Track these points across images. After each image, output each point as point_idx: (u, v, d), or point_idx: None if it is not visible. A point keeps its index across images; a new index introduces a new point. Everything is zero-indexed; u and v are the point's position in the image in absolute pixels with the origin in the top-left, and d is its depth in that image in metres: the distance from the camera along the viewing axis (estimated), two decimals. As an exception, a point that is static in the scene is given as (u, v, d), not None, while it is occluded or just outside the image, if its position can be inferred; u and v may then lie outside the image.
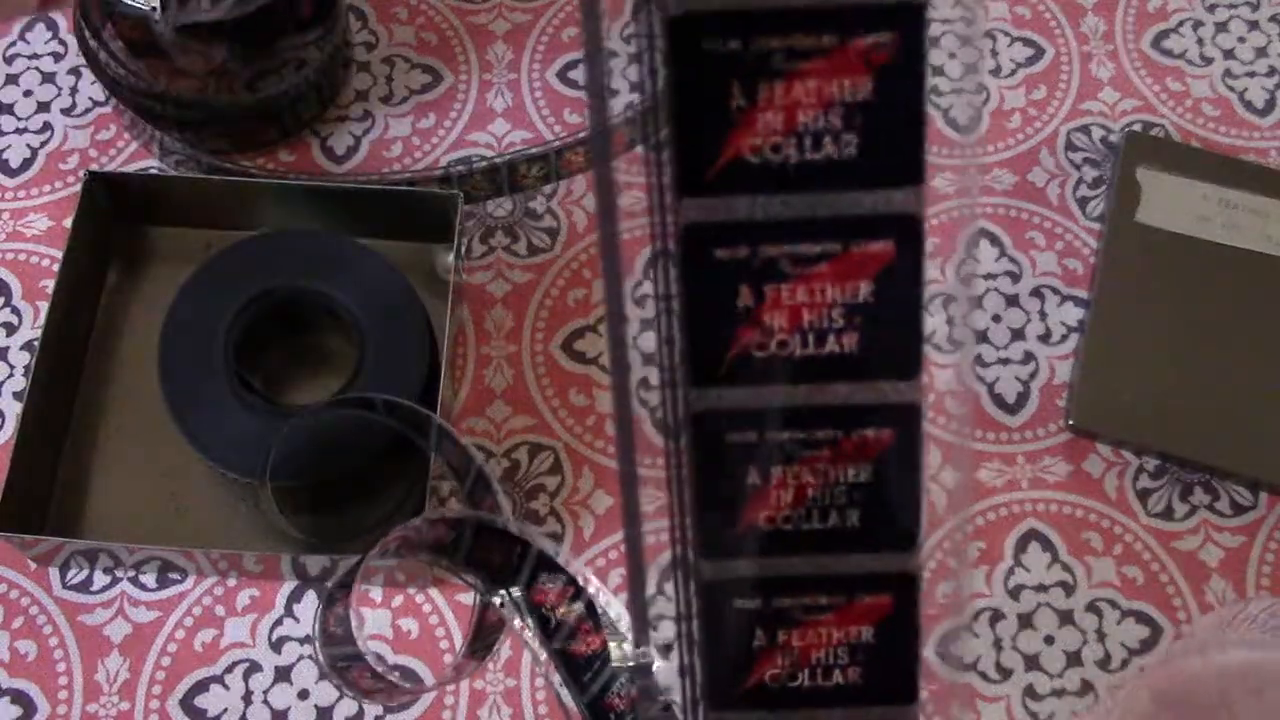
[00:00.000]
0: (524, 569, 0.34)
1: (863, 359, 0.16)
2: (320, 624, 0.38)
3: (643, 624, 0.18)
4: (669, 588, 0.18)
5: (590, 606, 0.35)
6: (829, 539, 0.16)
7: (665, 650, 0.18)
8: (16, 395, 0.52)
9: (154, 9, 0.51)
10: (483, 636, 0.42)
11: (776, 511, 0.16)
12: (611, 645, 0.34)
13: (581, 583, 0.36)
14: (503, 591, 0.37)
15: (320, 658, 0.40)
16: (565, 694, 0.27)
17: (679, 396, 0.16)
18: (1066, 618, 0.49)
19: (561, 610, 0.36)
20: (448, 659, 0.48)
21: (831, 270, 0.16)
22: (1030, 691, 0.48)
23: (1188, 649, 0.21)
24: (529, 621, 0.36)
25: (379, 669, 0.39)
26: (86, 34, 0.55)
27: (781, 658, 0.17)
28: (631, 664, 0.17)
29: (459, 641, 0.48)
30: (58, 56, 0.60)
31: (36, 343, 0.49)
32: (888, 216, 0.16)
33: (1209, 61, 0.61)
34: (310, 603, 0.49)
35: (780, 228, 0.16)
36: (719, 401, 0.16)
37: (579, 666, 0.33)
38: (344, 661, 0.37)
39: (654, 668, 0.18)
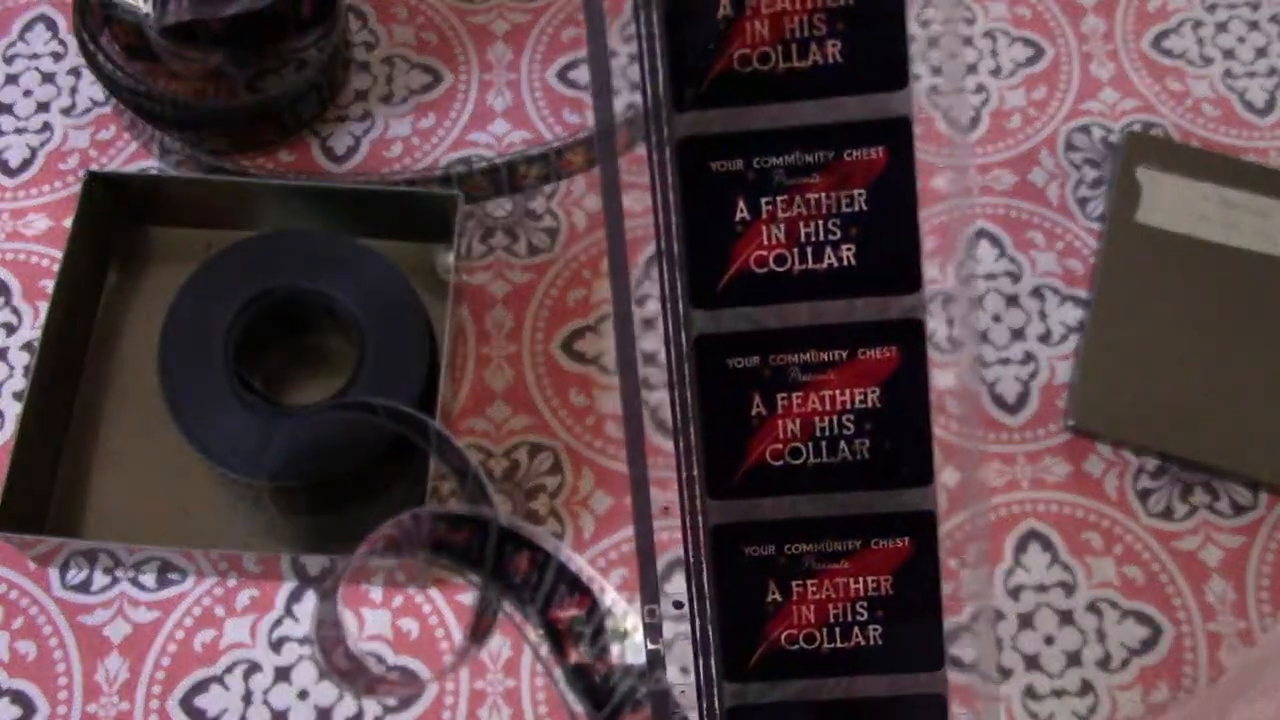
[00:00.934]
0: (544, 583, 0.34)
1: (861, 273, 0.14)
2: (316, 621, 0.38)
3: (653, 577, 0.18)
4: (674, 534, 0.17)
5: (603, 625, 0.35)
6: (839, 474, 0.15)
7: (677, 608, 0.17)
8: (16, 395, 0.52)
9: (147, 14, 0.51)
10: (481, 628, 0.42)
11: (784, 444, 0.15)
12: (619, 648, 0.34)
13: (598, 593, 0.36)
14: (512, 606, 0.37)
15: (317, 655, 0.40)
16: (577, 706, 0.27)
17: (681, 321, 0.15)
18: (1066, 618, 0.49)
19: (576, 626, 0.36)
20: (447, 660, 0.48)
21: (824, 180, 0.15)
22: (1030, 691, 0.48)
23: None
24: (541, 638, 0.36)
25: (375, 666, 0.40)
26: (85, 36, 0.55)
27: (797, 615, 0.16)
28: (642, 634, 0.17)
29: (459, 642, 0.48)
30: (58, 56, 0.60)
31: (36, 343, 0.49)
32: (879, 122, 0.15)
33: (1209, 61, 0.61)
34: (310, 603, 0.49)
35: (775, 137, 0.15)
36: (719, 324, 0.15)
37: (594, 685, 0.33)
38: (344, 660, 0.37)
39: (664, 640, 0.18)
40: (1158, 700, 0.48)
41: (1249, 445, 0.51)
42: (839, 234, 0.15)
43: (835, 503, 0.16)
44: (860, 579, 0.16)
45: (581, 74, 0.60)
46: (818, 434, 0.15)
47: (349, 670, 0.41)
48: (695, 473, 0.16)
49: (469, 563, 0.39)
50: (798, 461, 0.15)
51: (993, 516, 0.51)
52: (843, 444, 0.16)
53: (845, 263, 0.15)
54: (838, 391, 0.15)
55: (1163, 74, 0.61)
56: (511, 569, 0.37)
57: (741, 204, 0.15)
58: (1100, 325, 0.53)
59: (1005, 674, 0.49)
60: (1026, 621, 0.49)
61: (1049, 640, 0.49)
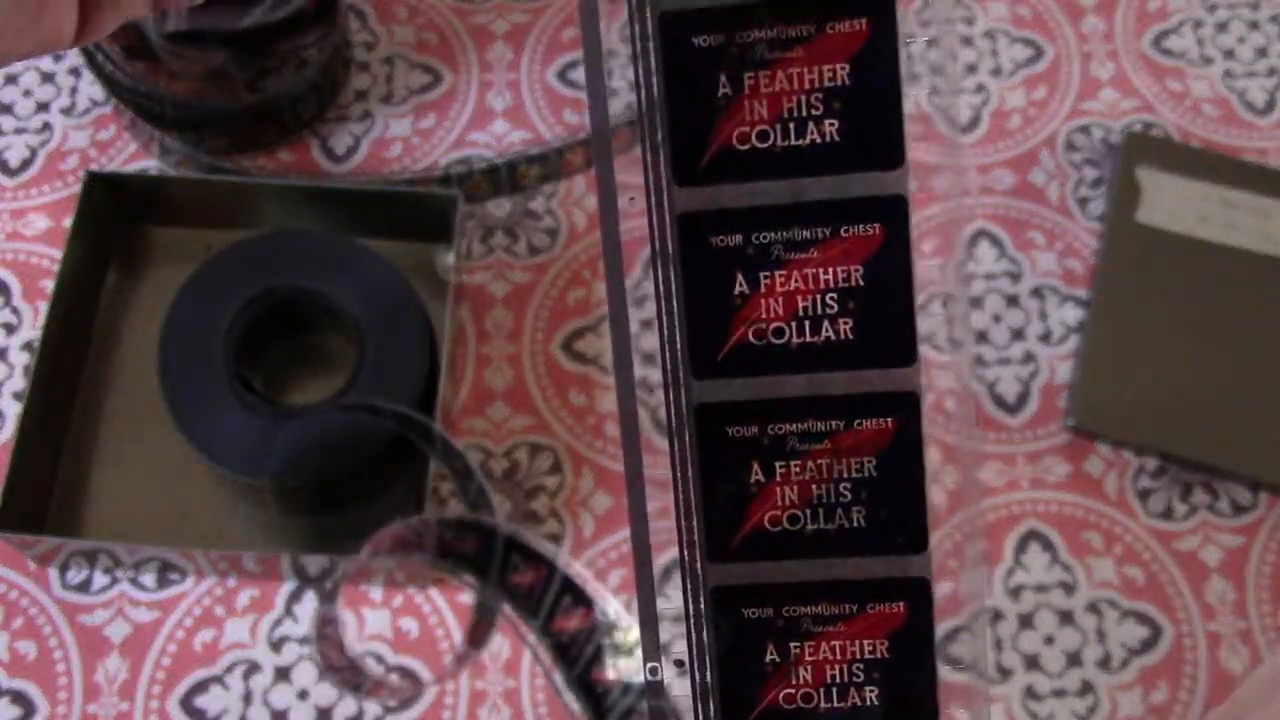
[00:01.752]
0: (549, 594, 0.34)
1: (858, 346, 0.15)
2: (316, 622, 0.38)
3: (654, 638, 0.18)
4: (674, 594, 0.18)
5: (604, 640, 0.35)
6: (836, 540, 0.16)
7: (678, 665, 0.17)
8: (16, 395, 0.52)
9: (148, 17, 0.51)
10: (480, 631, 0.43)
11: (782, 511, 0.16)
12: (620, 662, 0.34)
13: (602, 606, 0.36)
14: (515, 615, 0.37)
15: (317, 657, 0.40)
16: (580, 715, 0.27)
17: (681, 390, 0.15)
18: (1066, 618, 0.49)
19: (580, 638, 0.36)
20: (447, 659, 0.48)
21: (822, 255, 0.16)
22: (1030, 692, 0.48)
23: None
24: (544, 648, 0.36)
25: (374, 668, 0.40)
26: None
27: (795, 677, 0.17)
28: (643, 681, 0.17)
29: (459, 641, 0.48)
30: (58, 56, 0.60)
31: (36, 343, 0.49)
32: (875, 199, 0.16)
33: (1209, 61, 0.61)
34: (310, 603, 0.49)
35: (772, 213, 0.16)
36: (719, 393, 0.16)
37: (596, 696, 0.33)
38: (344, 662, 0.37)
39: (666, 684, 0.18)
40: (1158, 700, 0.48)
41: (1249, 445, 0.51)
42: (836, 308, 0.16)
43: (832, 568, 0.16)
44: (857, 642, 0.17)
45: (581, 74, 0.60)
46: (815, 501, 0.16)
47: (348, 672, 0.41)
48: (696, 537, 0.16)
49: (474, 570, 0.39)
50: (795, 528, 0.16)
51: (993, 516, 0.51)
52: (839, 511, 0.16)
53: (842, 336, 0.16)
54: (835, 460, 0.16)
55: (1163, 74, 0.61)
56: (517, 580, 0.37)
57: (740, 278, 0.16)
58: (1100, 325, 0.53)
59: (1005, 674, 0.49)
60: (1026, 621, 0.49)
61: (1049, 640, 0.49)
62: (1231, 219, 0.55)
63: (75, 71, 0.59)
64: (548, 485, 0.51)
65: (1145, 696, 0.48)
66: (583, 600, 0.37)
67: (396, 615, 0.49)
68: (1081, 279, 0.56)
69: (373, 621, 0.49)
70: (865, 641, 0.17)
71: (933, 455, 0.53)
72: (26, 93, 0.59)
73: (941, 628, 0.50)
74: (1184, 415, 0.52)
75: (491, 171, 0.55)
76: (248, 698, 0.48)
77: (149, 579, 0.49)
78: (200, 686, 0.48)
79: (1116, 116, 0.59)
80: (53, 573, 0.49)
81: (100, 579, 0.49)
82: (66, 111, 0.59)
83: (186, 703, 0.47)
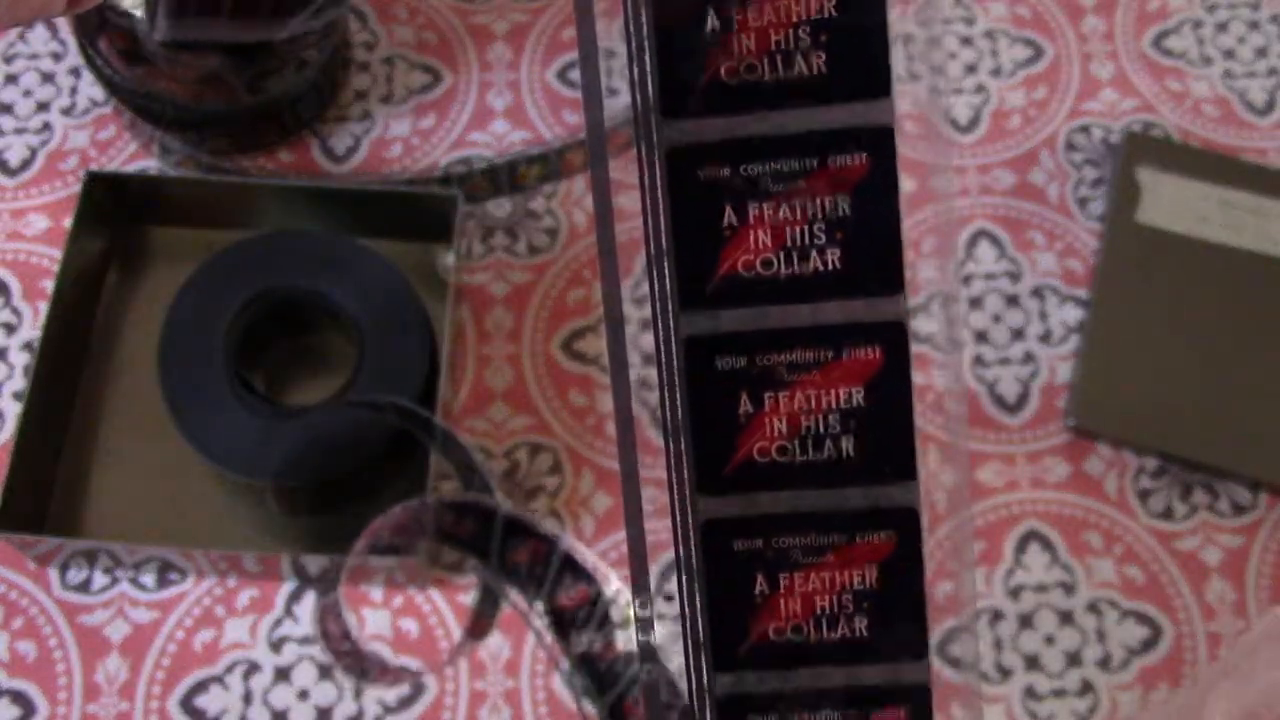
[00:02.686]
0: (550, 571, 0.34)
1: (846, 276, 0.16)
2: (319, 610, 0.38)
3: (644, 572, 0.18)
4: (664, 530, 0.18)
5: (608, 611, 0.36)
6: (826, 471, 0.16)
7: (667, 600, 0.18)
8: (16, 395, 0.52)
9: (142, 19, 0.51)
10: (481, 623, 0.43)
11: (770, 442, 0.16)
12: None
13: (602, 581, 0.36)
14: (518, 596, 0.38)
15: (320, 645, 0.40)
16: (583, 698, 0.27)
17: (669, 322, 0.16)
18: (1066, 618, 0.49)
19: (582, 614, 0.36)
20: (453, 639, 0.48)
21: (810, 186, 0.16)
22: (1030, 692, 0.48)
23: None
24: (546, 626, 0.36)
25: (381, 654, 0.40)
26: (84, 39, 0.55)
27: (785, 607, 0.17)
28: (635, 621, 0.17)
29: (458, 636, 0.48)
30: (58, 56, 0.60)
31: (36, 343, 0.49)
32: (862, 129, 0.16)
33: (1209, 61, 0.61)
34: (310, 603, 0.49)
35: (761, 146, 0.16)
36: (708, 325, 0.16)
37: (600, 672, 0.33)
38: (347, 648, 0.37)
39: (655, 634, 0.18)
40: (1158, 700, 0.48)
41: (1249, 445, 0.51)
42: (824, 239, 0.16)
43: (822, 499, 0.17)
44: (846, 572, 0.17)
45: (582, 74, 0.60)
46: (804, 432, 0.16)
47: (353, 657, 0.41)
48: (686, 472, 0.16)
49: (474, 552, 0.39)
50: (785, 459, 0.16)
51: (993, 516, 0.51)
52: (828, 442, 0.16)
53: (831, 266, 0.16)
54: (823, 391, 0.16)
55: (1163, 74, 0.61)
56: (516, 559, 0.37)
57: (729, 210, 0.16)
58: (1100, 325, 0.53)
59: (1005, 674, 0.49)
60: (1026, 621, 0.49)
61: (1049, 640, 0.49)
62: (1231, 219, 0.55)
63: (75, 71, 0.59)
64: (548, 485, 0.51)
65: (1145, 696, 0.48)
66: (584, 577, 0.37)
67: (396, 615, 0.49)
68: (1081, 279, 0.56)
69: (373, 621, 0.49)
70: (855, 571, 0.17)
71: (932, 455, 0.53)
72: (26, 93, 0.59)
73: (941, 628, 0.51)
74: (1184, 415, 0.52)
75: (491, 171, 0.55)
76: (248, 698, 0.48)
77: (149, 579, 0.49)
78: (200, 686, 0.48)
79: (1116, 116, 0.59)
80: (53, 573, 0.49)
81: (100, 579, 0.49)
82: (66, 111, 0.59)
83: (186, 703, 0.47)
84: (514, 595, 0.40)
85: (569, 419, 0.52)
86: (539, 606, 0.38)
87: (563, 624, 0.38)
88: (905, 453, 0.17)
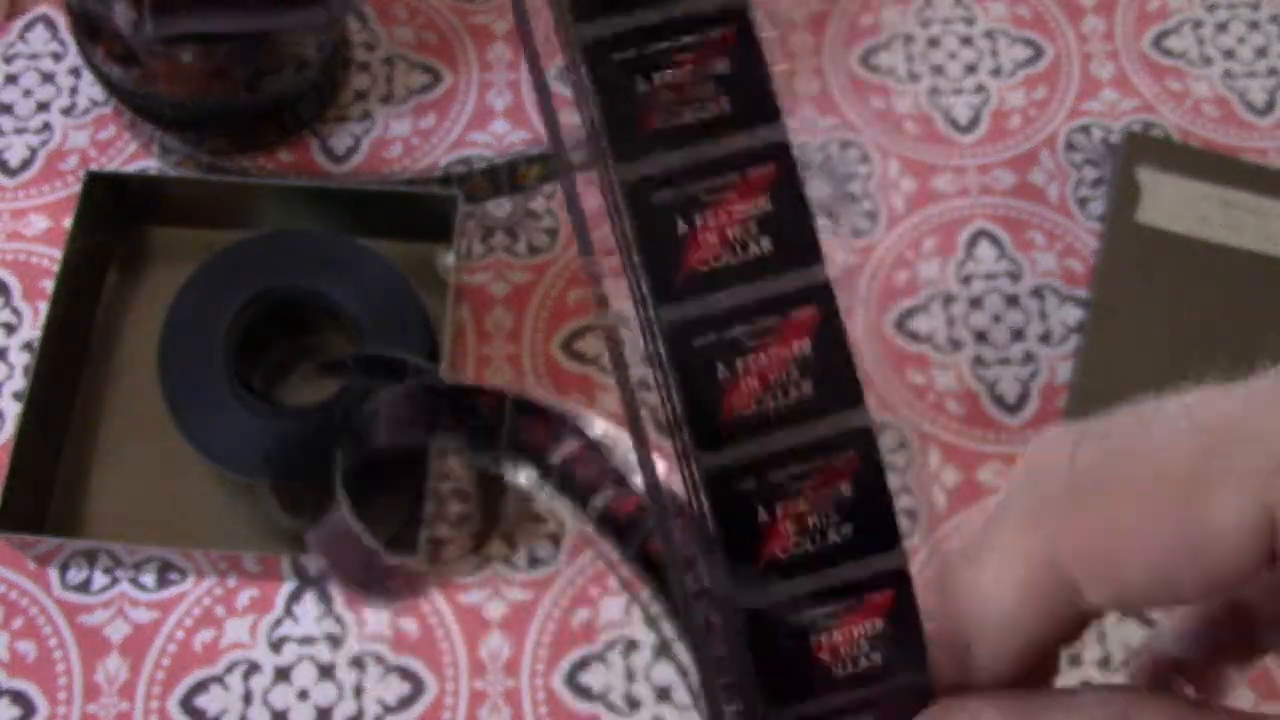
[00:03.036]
0: (562, 446, 0.38)
1: (778, 256, 0.20)
2: (325, 533, 0.38)
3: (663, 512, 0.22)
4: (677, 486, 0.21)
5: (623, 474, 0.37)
6: (793, 412, 0.20)
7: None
8: (16, 395, 0.52)
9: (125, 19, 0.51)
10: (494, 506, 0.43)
11: (749, 398, 0.20)
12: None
13: (621, 453, 0.38)
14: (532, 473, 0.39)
15: (329, 572, 0.40)
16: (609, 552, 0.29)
17: (651, 316, 0.20)
18: (1066, 618, 0.49)
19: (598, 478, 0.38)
20: (444, 645, 0.48)
21: (740, 194, 0.20)
22: (1030, 691, 0.48)
23: None
24: (557, 495, 0.38)
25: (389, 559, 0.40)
26: (83, 41, 0.55)
27: (784, 528, 0.21)
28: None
29: (459, 642, 0.48)
30: (58, 56, 0.60)
31: (36, 343, 0.49)
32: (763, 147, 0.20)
33: (1209, 61, 0.61)
34: (310, 603, 0.49)
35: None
36: (682, 313, 0.20)
37: (621, 527, 0.36)
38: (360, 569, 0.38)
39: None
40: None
41: (1249, 445, 0.51)
42: (756, 230, 0.20)
43: (797, 434, 0.20)
44: (829, 488, 0.21)
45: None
46: (773, 384, 0.20)
47: (365, 570, 0.41)
48: (686, 436, 0.20)
49: (484, 437, 0.40)
50: (762, 408, 0.20)
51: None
52: (791, 388, 0.20)
53: (765, 252, 0.20)
54: (779, 348, 0.20)
55: (1163, 74, 0.61)
56: (529, 439, 0.40)
57: (681, 223, 0.20)
58: (1100, 325, 0.53)
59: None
60: (1026, 621, 0.49)
61: (1049, 640, 0.49)
62: (1231, 219, 0.55)
63: (75, 71, 0.59)
64: (548, 485, 0.51)
65: (1145, 696, 0.48)
66: (595, 447, 0.38)
67: (396, 615, 0.49)
68: (1081, 279, 0.56)
69: (373, 621, 0.49)
70: (831, 490, 0.21)
71: (932, 455, 0.53)
72: (26, 93, 0.59)
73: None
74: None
75: (491, 171, 0.55)
76: (248, 698, 0.48)
77: (149, 579, 0.49)
78: (200, 686, 0.48)
79: (1116, 116, 0.59)
80: (53, 573, 0.49)
81: (100, 579, 0.49)
82: (66, 111, 0.59)
83: (186, 703, 0.47)
84: (529, 483, 0.41)
85: (569, 419, 0.52)
86: (555, 481, 0.39)
87: (577, 490, 0.39)
88: (851, 382, 0.21)
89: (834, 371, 0.20)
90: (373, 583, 0.43)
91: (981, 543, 0.22)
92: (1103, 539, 0.20)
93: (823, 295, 0.20)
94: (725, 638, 0.20)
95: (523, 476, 0.41)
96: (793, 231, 0.20)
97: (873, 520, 0.21)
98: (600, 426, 0.41)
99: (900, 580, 0.21)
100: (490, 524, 0.49)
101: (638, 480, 0.37)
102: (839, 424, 0.21)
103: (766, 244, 0.20)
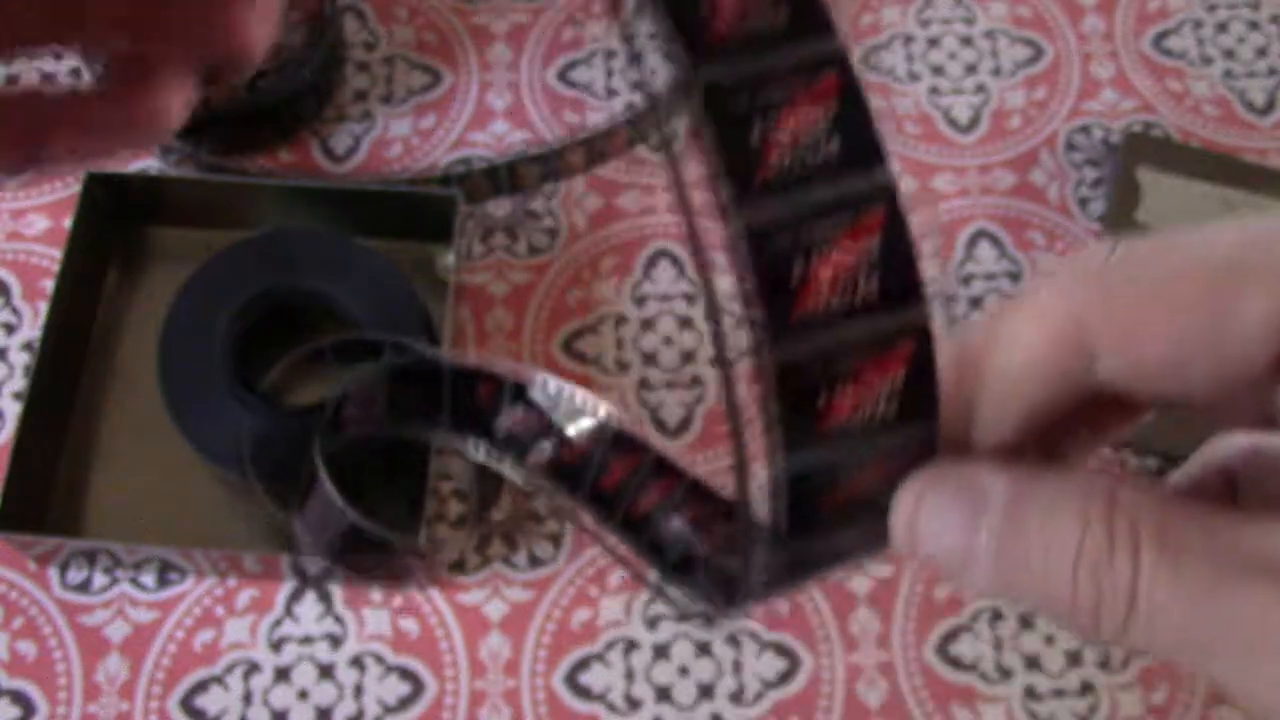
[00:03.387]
0: (502, 408, 0.38)
1: (845, 159, 0.21)
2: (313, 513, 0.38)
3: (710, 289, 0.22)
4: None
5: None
6: (822, 168, 0.21)
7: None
8: (16, 395, 0.52)
9: None
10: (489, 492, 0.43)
11: (782, 156, 0.20)
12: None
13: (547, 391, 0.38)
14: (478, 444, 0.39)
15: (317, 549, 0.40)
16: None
17: (733, 218, 0.20)
18: (1066, 618, 0.49)
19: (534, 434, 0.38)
20: (444, 645, 0.48)
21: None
22: (1030, 692, 0.48)
23: None
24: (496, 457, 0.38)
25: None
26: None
27: (817, 284, 0.21)
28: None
29: (459, 642, 0.48)
30: (57, 56, 0.60)
31: (36, 343, 0.49)
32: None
33: (1209, 61, 0.61)
34: (310, 603, 0.49)
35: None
36: (761, 215, 0.20)
37: (572, 471, 0.36)
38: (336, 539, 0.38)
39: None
40: (1158, 700, 0.48)
41: (1249, 445, 0.51)
42: (825, 136, 0.20)
43: (826, 189, 0.21)
44: (858, 241, 0.21)
45: (581, 74, 0.60)
46: (801, 145, 0.21)
47: (357, 559, 0.41)
48: (724, 195, 0.20)
49: (428, 410, 0.40)
50: (793, 163, 0.20)
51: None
52: (820, 144, 0.21)
53: (834, 154, 0.20)
54: (807, 108, 0.20)
55: (1163, 74, 0.61)
56: (473, 406, 0.40)
57: (756, 133, 0.20)
58: (1100, 325, 0.53)
59: (1005, 674, 0.49)
60: (1026, 622, 0.49)
61: (1049, 640, 0.49)
62: (1232, 219, 0.55)
63: (75, 72, 0.59)
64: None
65: (1145, 696, 0.48)
66: (529, 403, 0.38)
67: (396, 615, 0.49)
68: (1081, 279, 0.56)
69: (373, 621, 0.49)
70: (860, 242, 0.21)
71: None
72: (26, 93, 0.59)
73: (941, 628, 0.51)
74: (1184, 415, 0.52)
75: (491, 171, 0.55)
76: (248, 698, 0.48)
77: (149, 579, 0.49)
78: (200, 686, 0.48)
79: (1116, 116, 0.59)
80: (53, 573, 0.49)
81: (100, 579, 0.49)
82: (66, 111, 0.58)
83: (186, 703, 0.47)
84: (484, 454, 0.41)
85: (569, 419, 0.52)
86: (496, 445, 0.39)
87: (516, 446, 0.39)
88: (874, 144, 0.21)
89: (860, 132, 0.21)
90: (366, 565, 0.43)
91: (1006, 305, 0.22)
92: (1130, 309, 0.20)
93: (839, 58, 0.20)
94: (762, 374, 0.20)
95: (472, 447, 0.41)
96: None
97: (901, 270, 0.21)
98: (539, 381, 0.41)
99: (922, 333, 0.21)
100: (485, 504, 0.49)
101: (583, 425, 0.37)
102: (869, 179, 0.21)
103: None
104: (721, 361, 0.21)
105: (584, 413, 0.35)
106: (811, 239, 0.20)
